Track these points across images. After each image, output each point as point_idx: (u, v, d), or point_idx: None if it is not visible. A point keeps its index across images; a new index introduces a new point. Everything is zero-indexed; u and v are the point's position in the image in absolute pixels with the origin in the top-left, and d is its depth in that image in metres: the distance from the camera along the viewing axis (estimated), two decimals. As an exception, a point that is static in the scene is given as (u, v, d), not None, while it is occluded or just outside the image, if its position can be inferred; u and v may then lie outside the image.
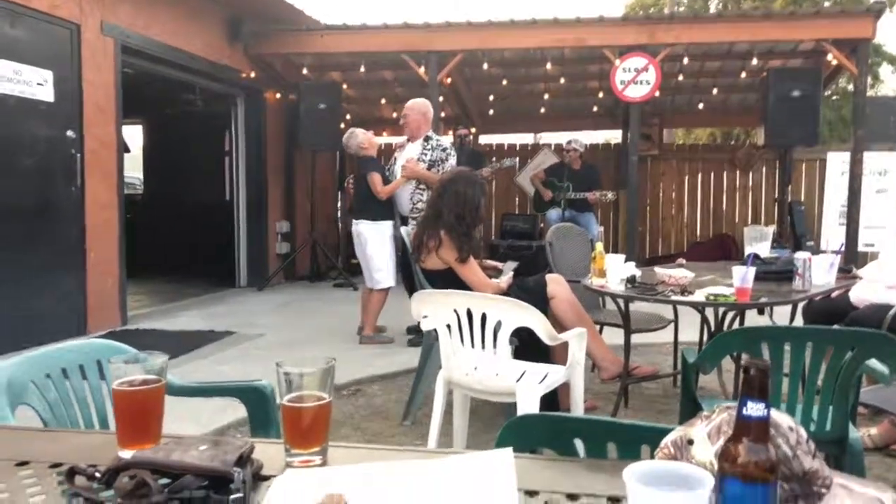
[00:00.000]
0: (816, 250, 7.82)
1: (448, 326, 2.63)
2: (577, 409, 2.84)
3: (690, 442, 0.99)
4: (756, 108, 8.14)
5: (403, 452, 1.22)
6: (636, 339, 3.90)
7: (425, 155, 4.96)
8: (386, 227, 5.05)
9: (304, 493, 0.96)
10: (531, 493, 1.02)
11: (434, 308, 2.65)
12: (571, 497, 1.02)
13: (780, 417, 0.98)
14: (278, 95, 8.09)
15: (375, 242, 5.05)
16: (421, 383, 3.45)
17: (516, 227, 8.62)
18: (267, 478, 1.06)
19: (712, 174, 9.40)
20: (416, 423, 3.41)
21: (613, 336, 3.73)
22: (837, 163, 7.86)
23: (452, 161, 4.95)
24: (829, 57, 6.51)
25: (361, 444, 2.93)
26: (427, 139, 5.03)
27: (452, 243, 3.24)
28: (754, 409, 0.84)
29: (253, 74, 7.57)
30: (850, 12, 6.39)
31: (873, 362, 2.16)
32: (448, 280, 3.24)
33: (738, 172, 9.25)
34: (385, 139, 8.54)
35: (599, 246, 3.49)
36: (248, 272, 8.07)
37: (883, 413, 2.89)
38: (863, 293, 3.67)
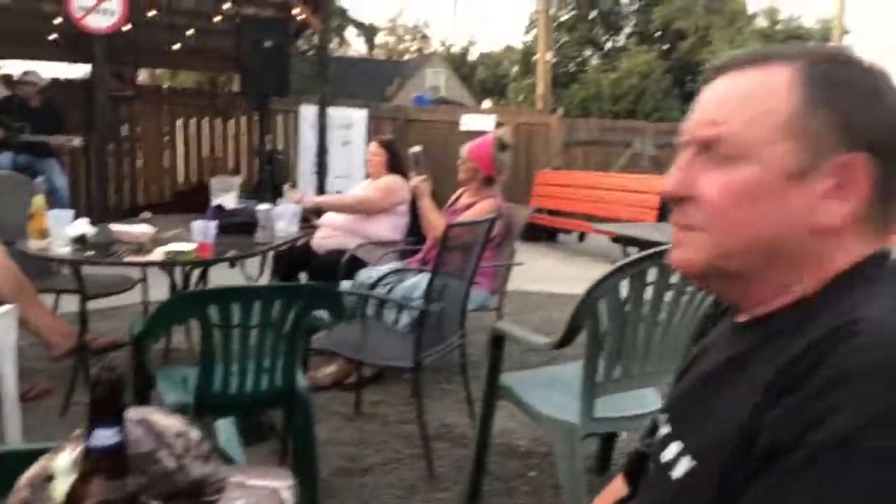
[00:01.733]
0: (295, 197, 8.33)
1: None
2: (8, 402, 2.33)
3: (50, 478, 0.75)
4: (233, 54, 8.12)
5: None
6: (102, 303, 3.49)
7: None
8: None
9: None
10: None
11: None
12: None
13: (166, 424, 0.80)
14: None
15: None
16: None
17: (-46, 175, 6.97)
18: None
19: (196, 120, 9.14)
20: None
21: (74, 303, 3.24)
22: (309, 115, 8.41)
23: None
24: (296, 11, 6.80)
25: None
26: None
27: None
28: (104, 437, 0.65)
29: None
30: (311, -29, 6.75)
31: (319, 312, 2.25)
32: None
33: (220, 119, 9.18)
34: None
35: (39, 200, 2.95)
36: None
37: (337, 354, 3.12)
38: (323, 240, 3.94)
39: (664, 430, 0.79)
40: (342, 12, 23.18)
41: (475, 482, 2.30)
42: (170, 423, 0.81)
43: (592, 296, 1.98)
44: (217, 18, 7.64)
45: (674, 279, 1.99)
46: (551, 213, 9.09)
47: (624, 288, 1.98)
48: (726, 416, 0.68)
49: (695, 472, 0.70)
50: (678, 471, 0.72)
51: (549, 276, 5.90)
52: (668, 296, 2.02)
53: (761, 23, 28.25)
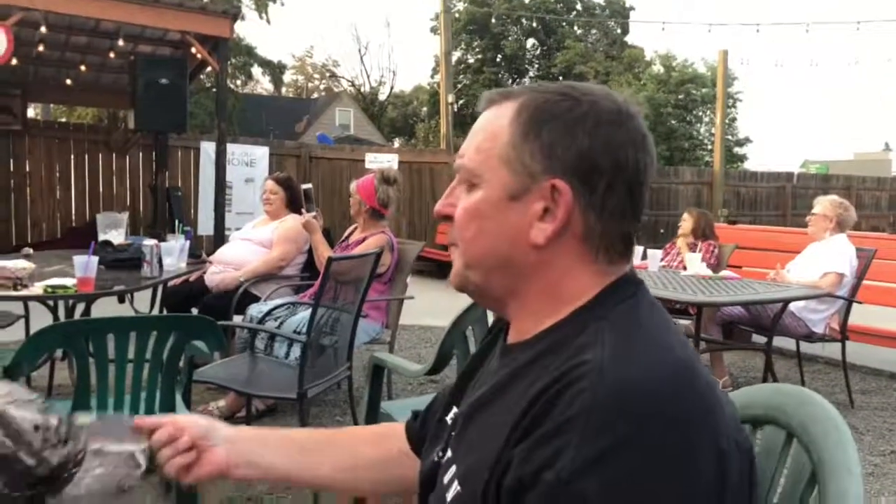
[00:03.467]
0: (195, 235, 8.17)
1: None
2: None
3: None
4: (129, 91, 7.97)
5: None
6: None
7: None
8: None
9: None
10: None
11: None
12: None
13: (24, 423, 0.86)
14: None
15: None
16: None
17: None
18: None
19: (89, 156, 8.88)
20: None
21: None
22: (210, 151, 8.32)
23: None
24: (194, 50, 6.78)
25: None
26: None
27: None
28: None
29: None
30: (208, 11, 6.72)
31: (198, 343, 2.28)
32: None
33: (114, 155, 8.96)
34: None
35: None
36: None
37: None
38: (215, 276, 3.93)
39: (449, 452, 0.81)
40: (249, 50, 23.01)
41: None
42: (26, 420, 0.87)
43: (460, 324, 2.11)
44: (112, 55, 7.50)
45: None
46: (455, 249, 9.26)
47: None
48: (485, 445, 0.71)
49: (460, 498, 0.73)
50: (450, 494, 0.75)
51: (454, 311, 6.04)
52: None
53: (658, 68, 29.83)
